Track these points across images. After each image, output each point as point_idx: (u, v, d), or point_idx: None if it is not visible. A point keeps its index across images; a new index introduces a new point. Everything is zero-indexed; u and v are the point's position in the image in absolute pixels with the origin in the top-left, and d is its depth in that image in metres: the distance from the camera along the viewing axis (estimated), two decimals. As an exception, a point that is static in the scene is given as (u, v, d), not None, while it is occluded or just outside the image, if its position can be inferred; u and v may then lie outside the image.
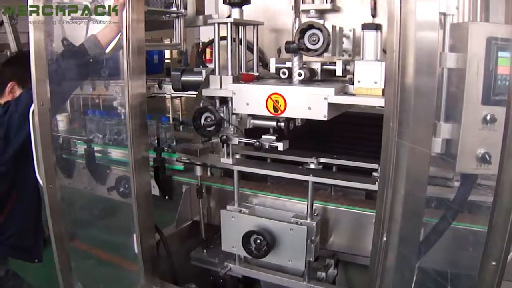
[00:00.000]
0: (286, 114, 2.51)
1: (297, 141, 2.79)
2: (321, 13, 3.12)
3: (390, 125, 1.92)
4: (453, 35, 2.08)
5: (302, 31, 2.54)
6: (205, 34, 4.06)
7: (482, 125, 2.01)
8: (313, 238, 2.72)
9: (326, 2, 3.14)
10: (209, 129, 2.72)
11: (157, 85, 8.24)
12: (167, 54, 15.30)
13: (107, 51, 3.06)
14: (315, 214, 2.81)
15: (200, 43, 4.24)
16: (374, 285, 2.17)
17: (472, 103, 2.00)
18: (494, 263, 1.80)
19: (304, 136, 2.86)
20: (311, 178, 2.70)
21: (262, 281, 3.15)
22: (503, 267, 1.82)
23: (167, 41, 5.57)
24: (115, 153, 3.99)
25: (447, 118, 2.10)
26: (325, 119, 2.42)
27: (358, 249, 2.97)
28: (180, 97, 9.17)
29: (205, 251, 3.44)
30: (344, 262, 3.18)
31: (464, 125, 2.02)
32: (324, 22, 3.05)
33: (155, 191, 3.52)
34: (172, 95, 8.52)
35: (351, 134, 3.13)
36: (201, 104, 2.79)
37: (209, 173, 3.61)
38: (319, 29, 2.50)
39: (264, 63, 3.34)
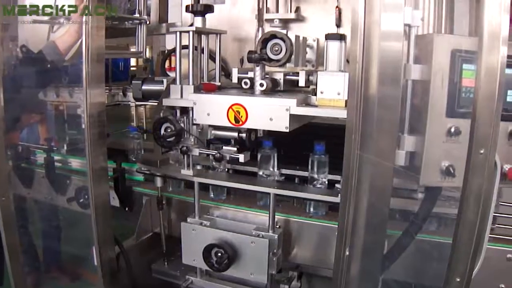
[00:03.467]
0: (248, 125, 2.47)
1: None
2: (285, 22, 3.09)
3: (352, 137, 1.88)
4: (418, 47, 2.06)
5: (265, 41, 2.50)
6: (171, 42, 4.00)
7: (446, 137, 1.99)
8: (275, 250, 2.68)
9: (290, 11, 3.12)
10: (169, 139, 2.67)
11: (121, 93, 8.15)
12: (133, 61, 15.25)
13: (66, 57, 3.00)
14: (277, 226, 2.77)
15: (166, 51, 4.19)
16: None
17: (437, 116, 1.98)
18: (458, 279, 1.77)
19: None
20: (272, 190, 2.65)
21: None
22: (467, 283, 1.79)
23: (133, 49, 5.50)
24: (74, 163, 3.91)
25: (411, 130, 2.08)
26: (287, 130, 2.39)
27: (321, 261, 2.92)
28: (145, 105, 9.11)
29: (166, 263, 3.37)
30: (308, 274, 3.14)
31: (428, 137, 2.00)
32: (287, 32, 3.01)
33: (115, 202, 3.45)
34: (137, 103, 8.46)
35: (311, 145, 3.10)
36: (161, 114, 2.73)
37: (170, 188, 3.53)
38: (282, 39, 2.47)
39: (227, 73, 3.30)
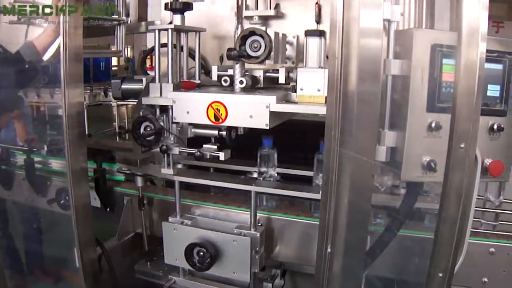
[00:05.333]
0: (228, 123, 2.45)
1: (241, 150, 2.74)
2: (265, 19, 3.08)
3: (332, 133, 1.87)
4: (398, 42, 2.05)
5: (244, 38, 2.49)
6: (152, 41, 3.97)
7: (427, 132, 1.98)
8: (257, 249, 2.67)
9: (270, 8, 3.10)
10: (148, 138, 2.64)
11: (103, 93, 8.14)
12: (114, 61, 15.20)
13: (44, 57, 2.97)
14: (259, 224, 2.75)
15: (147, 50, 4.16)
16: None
17: (417, 111, 1.97)
18: (441, 274, 1.77)
19: (248, 144, 2.80)
20: (253, 188, 2.64)
21: (208, 294, 3.08)
22: (450, 278, 1.79)
23: (114, 48, 5.46)
24: (55, 164, 3.88)
25: (392, 126, 2.07)
26: (267, 127, 2.37)
27: (304, 258, 2.91)
28: (127, 105, 9.09)
29: (149, 263, 3.35)
30: (291, 272, 3.13)
31: (409, 132, 1.99)
32: (266, 28, 2.99)
33: (96, 202, 3.42)
34: (118, 103, 8.44)
35: (296, 142, 3.08)
36: (141, 113, 2.71)
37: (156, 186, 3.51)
38: (261, 35, 2.45)
39: (206, 71, 3.27)
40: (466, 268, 2.59)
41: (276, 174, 2.86)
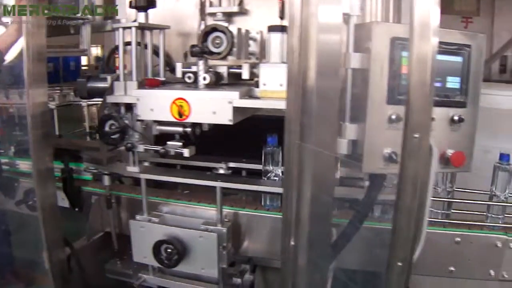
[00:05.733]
0: (191, 119, 2.46)
1: (208, 147, 2.74)
2: (229, 16, 3.07)
3: (292, 127, 1.88)
4: (358, 36, 2.07)
5: (206, 34, 2.50)
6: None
7: (388, 124, 1.99)
8: (224, 244, 2.67)
9: (234, 4, 3.09)
10: (113, 136, 2.64)
11: (72, 93, 8.07)
12: (85, 61, 15.10)
13: (7, 57, 2.94)
14: (226, 220, 2.76)
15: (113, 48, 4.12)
16: (287, 288, 2.13)
17: (377, 103, 1.98)
18: (400, 263, 1.78)
19: (213, 140, 2.81)
20: (218, 184, 2.65)
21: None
22: (409, 267, 1.81)
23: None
24: (22, 165, 3.84)
25: (353, 118, 2.08)
26: (231, 123, 2.38)
27: (274, 252, 2.91)
28: (97, 104, 9.03)
29: (119, 262, 3.33)
30: (262, 267, 3.13)
31: (369, 125, 2.00)
32: (228, 25, 2.99)
33: (65, 202, 3.39)
34: (89, 102, 8.38)
35: (261, 138, 3.09)
36: (106, 111, 2.70)
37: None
38: (223, 32, 2.47)
39: (172, 68, 3.26)
40: (433, 257, 2.63)
41: (281, 174, 2.84)
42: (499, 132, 4.92)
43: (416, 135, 1.63)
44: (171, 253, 2.68)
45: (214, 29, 2.49)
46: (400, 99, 1.97)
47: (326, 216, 2.01)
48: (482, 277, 2.70)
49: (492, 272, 2.67)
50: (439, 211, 2.77)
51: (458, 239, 2.60)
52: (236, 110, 2.37)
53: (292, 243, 1.98)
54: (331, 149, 1.92)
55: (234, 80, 2.69)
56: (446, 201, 2.77)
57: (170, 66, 3.25)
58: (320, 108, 1.87)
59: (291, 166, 1.91)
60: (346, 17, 2.05)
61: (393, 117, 1.97)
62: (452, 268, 2.65)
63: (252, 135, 2.88)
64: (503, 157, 2.69)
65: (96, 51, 14.89)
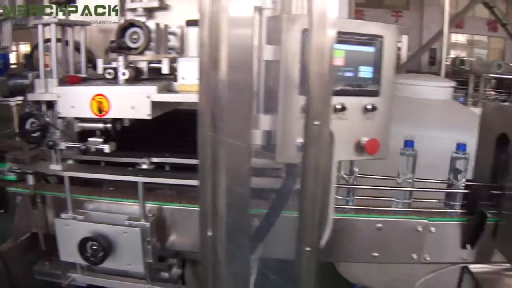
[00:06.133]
0: (111, 115, 2.46)
1: (132, 142, 2.73)
2: (149, 11, 3.05)
3: (204, 119, 1.89)
4: (270, 28, 2.08)
5: (123, 30, 2.48)
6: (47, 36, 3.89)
7: (300, 115, 2.01)
8: (149, 239, 2.67)
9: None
10: (34, 135, 2.61)
11: None
12: (14, 59, 14.79)
13: None
14: (150, 215, 2.75)
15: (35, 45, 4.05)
16: (208, 281, 2.13)
17: (290, 94, 2.01)
18: (308, 249, 1.82)
19: (138, 136, 2.80)
20: (140, 179, 2.64)
21: (109, 288, 3.07)
22: (316, 252, 1.84)
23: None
24: None
25: (267, 109, 2.10)
26: (149, 117, 2.39)
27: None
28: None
29: (47, 263, 3.28)
30: (192, 261, 3.14)
31: (283, 115, 2.02)
32: (147, 20, 2.98)
33: (-10, 205, 3.34)
34: (18, 102, 8.18)
35: (183, 132, 3.10)
36: (27, 110, 2.67)
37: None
38: (139, 27, 2.46)
39: (94, 64, 3.24)
40: (357, 244, 2.69)
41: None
42: (424, 121, 5.04)
43: (317, 123, 1.67)
44: (96, 250, 2.66)
45: (131, 24, 2.48)
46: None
47: (243, 206, 2.02)
48: (405, 261, 2.78)
49: (415, 256, 2.75)
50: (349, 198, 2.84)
51: (379, 225, 2.66)
52: (155, 104, 2.38)
53: (210, 233, 1.99)
54: (245, 140, 1.94)
55: (156, 75, 2.68)
56: (358, 188, 2.83)
57: (92, 62, 3.22)
58: (232, 100, 1.88)
59: (204, 158, 1.92)
60: (259, 10, 2.06)
61: (305, 107, 2.00)
62: (375, 254, 2.71)
63: (175, 129, 2.88)
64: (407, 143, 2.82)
65: (25, 48, 14.63)
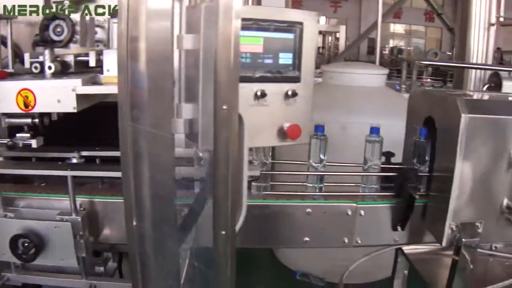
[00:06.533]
0: (37, 109, 2.44)
1: (62, 137, 2.71)
2: (77, 4, 3.03)
3: (123, 110, 1.89)
4: (190, 17, 2.09)
5: (46, 23, 2.46)
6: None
7: (221, 101, 2.04)
8: (80, 233, 2.65)
9: (81, -8, 3.06)
10: (-44, 132, 2.58)
11: None
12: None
13: None
14: (81, 209, 2.74)
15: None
16: (136, 272, 2.13)
17: (210, 82, 2.00)
18: (223, 232, 1.84)
19: (68, 130, 2.78)
20: (68, 173, 2.62)
21: (45, 286, 3.04)
22: (232, 235, 1.87)
23: None
24: None
25: (188, 98, 2.11)
26: (75, 110, 2.38)
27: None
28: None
29: (-19, 264, 3.25)
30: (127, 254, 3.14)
31: (204, 104, 2.02)
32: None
33: None
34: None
35: (113, 124, 3.08)
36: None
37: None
38: (63, 19, 2.44)
39: (21, 59, 3.20)
40: (288, 229, 2.72)
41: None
42: (357, 108, 5.13)
43: (225, 107, 1.69)
44: (28, 246, 2.63)
45: (54, 17, 2.46)
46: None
47: (168, 196, 2.03)
48: (337, 245, 2.82)
49: (346, 240, 2.79)
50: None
51: (309, 210, 2.70)
52: (80, 97, 2.37)
53: (135, 223, 1.99)
54: (166, 129, 1.95)
55: (82, 68, 2.67)
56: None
57: (19, 57, 3.19)
58: (152, 90, 1.88)
59: (125, 149, 1.93)
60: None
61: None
62: (307, 239, 2.74)
63: (105, 122, 2.87)
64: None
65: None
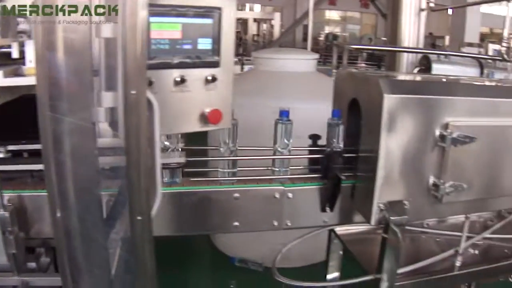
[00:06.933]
0: (-41, 103, 2.41)
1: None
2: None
3: (43, 101, 1.89)
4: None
5: (-36, 16, 2.43)
6: None
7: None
8: (9, 229, 2.61)
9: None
10: None
11: None
12: None
13: None
14: (9, 204, 2.71)
15: None
16: (64, 265, 2.13)
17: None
18: (139, 217, 1.86)
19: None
20: (-9, 168, 2.60)
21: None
22: (148, 220, 1.90)
23: None
24: None
25: (109, 87, 2.11)
26: (-1, 103, 2.35)
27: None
28: None
29: None
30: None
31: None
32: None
33: None
34: None
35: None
36: None
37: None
38: (-17, 11, 2.42)
39: None
40: (216, 216, 2.74)
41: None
42: (287, 93, 5.18)
43: (133, 92, 1.72)
44: (-45, 245, 2.60)
45: (-29, 9, 2.44)
46: (151, 63, 2.05)
47: (92, 186, 2.03)
48: (267, 228, 2.85)
49: (275, 223, 2.83)
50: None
51: (237, 194, 2.74)
52: (3, 89, 2.35)
53: (58, 214, 1.99)
54: (86, 119, 1.94)
55: (6, 61, 2.64)
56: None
57: None
58: (71, 80, 1.88)
59: (46, 140, 1.92)
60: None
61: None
62: (236, 223, 2.77)
63: (31, 115, 2.85)
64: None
65: None
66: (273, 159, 2.92)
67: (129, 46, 1.76)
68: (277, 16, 19.82)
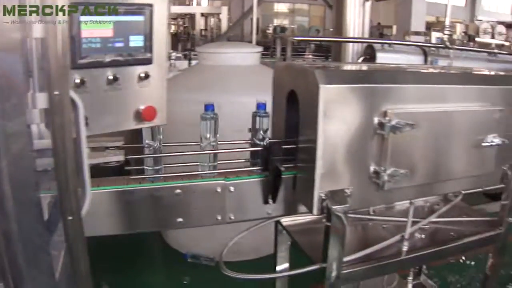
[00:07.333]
0: None
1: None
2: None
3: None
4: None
5: None
6: None
7: (75, 89, 2.03)
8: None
9: None
10: None
11: None
12: None
13: None
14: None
15: None
16: (5, 271, 2.08)
17: (64, 68, 2.01)
18: (70, 218, 1.86)
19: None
20: None
21: None
22: (79, 220, 1.89)
23: None
24: None
25: (42, 87, 2.09)
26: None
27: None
28: None
29: None
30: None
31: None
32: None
33: None
34: None
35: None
36: None
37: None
38: None
39: None
40: (160, 213, 2.73)
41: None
42: (230, 87, 5.19)
43: (57, 92, 1.71)
44: None
45: None
46: (82, 63, 2.03)
47: (29, 187, 1.99)
48: (211, 223, 2.85)
49: (219, 217, 2.83)
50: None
51: (178, 191, 2.72)
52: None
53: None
54: (20, 121, 1.92)
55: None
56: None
57: None
58: (2, 81, 1.85)
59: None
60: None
61: (77, 81, 2.04)
62: (180, 219, 2.76)
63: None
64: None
65: None
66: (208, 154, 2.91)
67: (50, 46, 1.74)
68: (224, 10, 19.62)
